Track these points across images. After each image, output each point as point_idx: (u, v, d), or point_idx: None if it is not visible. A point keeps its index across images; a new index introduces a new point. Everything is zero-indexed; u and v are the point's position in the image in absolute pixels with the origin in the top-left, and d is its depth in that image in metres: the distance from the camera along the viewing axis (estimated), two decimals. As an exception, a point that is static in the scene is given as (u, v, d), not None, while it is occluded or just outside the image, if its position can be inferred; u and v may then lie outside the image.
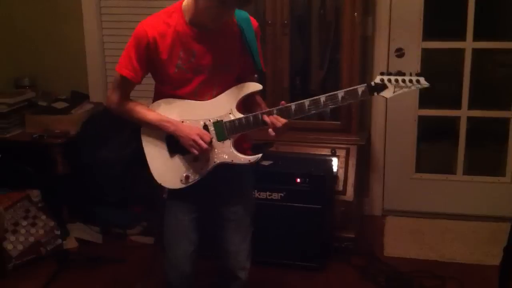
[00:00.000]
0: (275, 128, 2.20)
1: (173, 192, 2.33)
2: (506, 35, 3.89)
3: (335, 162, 3.62)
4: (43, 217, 3.71)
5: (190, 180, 2.28)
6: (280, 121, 2.20)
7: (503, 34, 3.92)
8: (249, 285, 2.56)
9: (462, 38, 3.83)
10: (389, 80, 2.15)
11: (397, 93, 2.16)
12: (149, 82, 2.34)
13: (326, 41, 3.82)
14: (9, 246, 3.46)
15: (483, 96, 4.00)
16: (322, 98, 2.19)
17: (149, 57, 2.19)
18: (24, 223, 3.60)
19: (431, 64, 4.00)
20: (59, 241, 3.71)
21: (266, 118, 2.21)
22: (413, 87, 2.16)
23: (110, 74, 2.24)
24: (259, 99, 2.39)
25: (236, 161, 2.28)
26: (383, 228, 3.99)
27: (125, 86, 2.28)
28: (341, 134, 3.74)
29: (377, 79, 2.16)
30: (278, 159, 3.52)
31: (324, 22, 3.84)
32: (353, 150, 3.69)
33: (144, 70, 2.23)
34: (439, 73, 4.14)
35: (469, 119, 3.97)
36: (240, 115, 2.26)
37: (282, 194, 3.37)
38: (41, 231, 3.64)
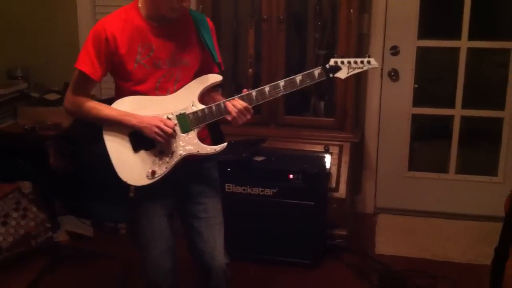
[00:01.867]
0: (237, 113, 2.24)
1: (140, 190, 2.29)
2: (501, 34, 3.89)
3: (328, 159, 3.61)
4: (34, 209, 3.69)
5: (156, 175, 2.26)
6: (241, 104, 2.25)
7: (499, 33, 3.93)
8: (241, 282, 2.55)
9: (458, 37, 3.83)
10: (342, 62, 2.32)
11: (351, 73, 2.33)
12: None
13: (322, 37, 3.81)
14: (-1, 238, 3.44)
15: (477, 96, 4.01)
16: (281, 82, 2.30)
17: (107, 53, 2.20)
18: (15, 215, 3.58)
19: (426, 63, 4.00)
20: (50, 233, 3.69)
21: (228, 104, 2.26)
22: (364, 67, 2.33)
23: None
24: (216, 91, 2.42)
25: (202, 151, 2.29)
26: (375, 226, 3.99)
27: (85, 83, 2.26)
28: (334, 131, 3.74)
29: (331, 62, 2.32)
30: (271, 155, 3.52)
31: (320, 19, 3.82)
32: (347, 148, 3.69)
33: (103, 67, 2.23)
34: (434, 72, 4.15)
35: (463, 118, 3.97)
36: (202, 106, 2.28)
37: (274, 190, 3.36)
38: (32, 223, 3.62)
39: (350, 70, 2.32)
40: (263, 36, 3.72)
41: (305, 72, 2.30)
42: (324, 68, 2.30)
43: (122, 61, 2.21)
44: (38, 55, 4.35)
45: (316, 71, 2.30)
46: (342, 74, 2.32)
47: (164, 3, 2.17)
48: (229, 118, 2.27)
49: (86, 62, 2.21)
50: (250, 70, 3.84)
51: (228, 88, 3.92)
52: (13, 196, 3.64)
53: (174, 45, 2.28)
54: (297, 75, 2.29)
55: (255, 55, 3.83)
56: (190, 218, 2.46)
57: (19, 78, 4.23)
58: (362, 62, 2.32)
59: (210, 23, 2.40)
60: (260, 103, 2.29)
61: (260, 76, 3.79)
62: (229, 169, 3.37)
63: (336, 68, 2.31)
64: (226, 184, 3.38)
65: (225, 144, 2.32)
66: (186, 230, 2.50)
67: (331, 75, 2.31)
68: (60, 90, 4.13)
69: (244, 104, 2.25)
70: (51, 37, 4.30)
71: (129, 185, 2.27)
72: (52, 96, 4.03)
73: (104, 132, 2.27)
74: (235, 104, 2.25)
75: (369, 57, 2.34)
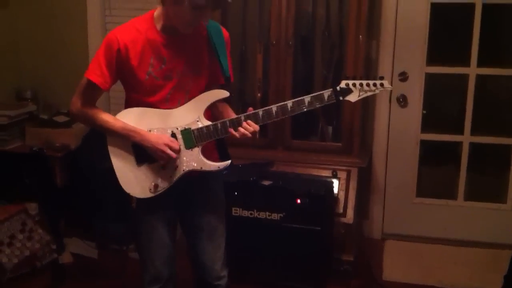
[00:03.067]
0: (240, 134, 2.22)
1: (142, 201, 2.30)
2: (510, 61, 3.89)
3: (336, 183, 3.60)
4: (40, 230, 3.68)
5: (159, 189, 2.27)
6: (252, 126, 2.22)
7: (508, 60, 3.92)
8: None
9: (466, 63, 3.83)
10: (354, 85, 2.24)
11: (362, 97, 2.24)
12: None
13: (329, 62, 3.82)
14: (4, 259, 3.42)
15: (486, 122, 3.99)
16: (289, 103, 2.24)
17: (119, 63, 2.20)
18: (20, 236, 3.57)
19: (435, 89, 3.99)
20: (55, 255, 3.68)
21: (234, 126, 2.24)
22: (377, 90, 2.25)
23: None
24: (224, 105, 2.40)
25: (205, 168, 2.29)
26: (382, 251, 3.96)
27: (93, 92, 2.26)
28: (342, 155, 3.73)
29: (342, 84, 2.24)
30: (278, 179, 3.50)
31: (328, 43, 3.84)
32: (354, 172, 3.67)
33: (113, 77, 2.23)
34: (443, 98, 4.14)
35: (472, 144, 3.95)
36: (208, 122, 2.27)
37: (281, 215, 3.34)
38: (37, 245, 3.61)
39: (361, 93, 2.25)
40: (271, 60, 3.74)
41: (314, 94, 2.25)
42: (334, 90, 2.24)
43: (133, 73, 2.21)
44: (48, 77, 4.37)
45: (326, 93, 2.24)
46: (352, 98, 2.26)
47: (182, 23, 2.17)
48: (232, 134, 2.25)
49: (97, 72, 2.20)
50: (258, 94, 3.85)
51: (235, 111, 3.94)
52: (19, 217, 3.64)
53: (186, 57, 2.27)
54: (305, 96, 2.24)
55: (263, 79, 3.84)
56: (192, 230, 2.47)
57: (29, 99, 4.26)
58: (374, 84, 2.24)
59: (225, 34, 2.37)
60: (266, 123, 2.26)
61: (268, 99, 3.80)
62: (236, 193, 3.36)
63: (347, 91, 2.25)
64: (233, 208, 3.37)
65: (229, 161, 2.31)
66: (188, 241, 2.51)
67: (341, 98, 2.24)
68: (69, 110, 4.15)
69: (256, 127, 2.22)
70: (61, 60, 4.33)
71: (131, 197, 2.27)
72: (61, 118, 4.05)
73: (108, 143, 2.28)
74: (246, 127, 2.22)
75: (381, 79, 2.25)
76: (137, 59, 2.19)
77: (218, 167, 2.30)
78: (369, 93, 2.25)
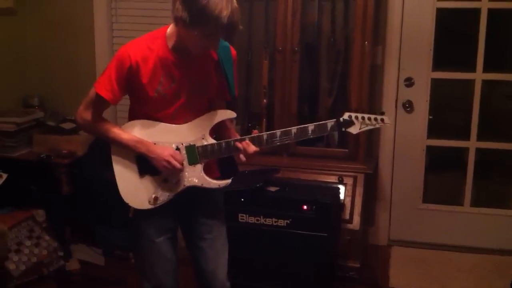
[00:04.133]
0: (246, 154, 2.27)
1: (140, 212, 2.30)
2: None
3: (342, 190, 3.60)
4: (47, 237, 3.69)
5: (158, 202, 2.29)
6: (252, 148, 2.27)
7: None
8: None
9: (472, 69, 3.83)
10: (356, 117, 2.34)
11: (363, 130, 2.35)
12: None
13: (335, 68, 3.83)
14: (12, 266, 3.43)
15: (492, 128, 3.99)
16: (294, 129, 2.32)
17: (129, 80, 2.21)
18: (28, 243, 3.58)
19: (441, 94, 3.99)
20: (62, 262, 3.69)
21: (238, 144, 2.28)
22: (377, 125, 2.35)
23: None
24: (228, 123, 2.44)
25: (206, 185, 2.32)
26: (388, 258, 3.95)
27: (101, 105, 2.28)
28: (348, 162, 3.73)
29: (346, 116, 2.34)
30: (284, 185, 3.50)
31: (333, 50, 3.85)
32: (361, 179, 3.67)
33: (122, 92, 2.24)
34: (448, 104, 4.14)
35: (478, 150, 3.95)
36: (213, 141, 2.31)
37: (288, 221, 3.33)
38: (44, 252, 3.62)
39: (362, 126, 2.34)
40: (277, 67, 3.75)
41: (318, 123, 2.33)
42: (337, 121, 2.33)
43: (143, 89, 2.22)
44: (55, 85, 4.40)
45: (329, 123, 2.33)
46: (354, 130, 2.35)
47: (194, 46, 2.18)
48: (237, 154, 2.31)
49: (107, 87, 2.21)
50: (264, 100, 3.86)
51: (240, 117, 3.95)
52: (27, 224, 3.65)
53: (196, 76, 2.29)
54: (309, 125, 2.32)
55: (269, 85, 3.85)
56: (194, 239, 2.47)
57: (36, 107, 4.28)
58: (376, 119, 2.34)
59: (233, 52, 2.40)
60: (269, 146, 2.32)
61: (273, 106, 3.81)
62: (242, 199, 3.36)
63: (349, 122, 2.33)
64: (240, 214, 3.36)
65: (229, 181, 2.35)
66: (190, 251, 2.51)
67: (343, 129, 2.33)
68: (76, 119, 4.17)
69: (254, 149, 2.28)
70: (68, 67, 4.36)
71: (129, 206, 2.28)
72: (68, 125, 4.07)
73: (112, 152, 2.29)
74: (246, 148, 2.27)
75: (382, 114, 2.36)
76: (147, 76, 2.20)
77: (219, 185, 2.34)
78: (369, 127, 2.35)
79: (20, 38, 4.35)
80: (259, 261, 3.36)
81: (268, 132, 2.31)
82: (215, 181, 2.33)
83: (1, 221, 3.39)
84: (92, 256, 3.85)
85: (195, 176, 2.30)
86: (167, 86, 2.24)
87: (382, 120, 2.33)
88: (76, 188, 3.84)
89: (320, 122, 2.32)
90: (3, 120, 3.91)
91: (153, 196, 2.28)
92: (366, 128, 2.34)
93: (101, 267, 3.81)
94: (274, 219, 3.35)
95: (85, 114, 2.29)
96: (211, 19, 2.03)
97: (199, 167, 2.30)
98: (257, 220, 3.38)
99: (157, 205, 2.29)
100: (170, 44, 2.23)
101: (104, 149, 2.32)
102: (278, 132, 2.30)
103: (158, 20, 3.95)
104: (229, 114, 2.36)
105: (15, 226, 3.56)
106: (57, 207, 3.82)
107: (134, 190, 2.28)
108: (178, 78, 2.25)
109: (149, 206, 2.29)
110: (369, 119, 2.33)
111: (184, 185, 2.30)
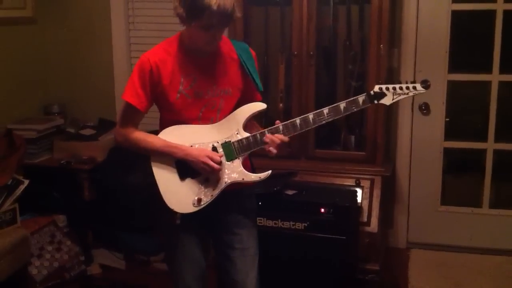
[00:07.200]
0: (276, 145, 2.28)
1: (185, 217, 2.32)
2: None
3: (359, 193, 3.60)
4: (68, 242, 3.74)
5: (202, 203, 2.30)
6: (280, 137, 2.28)
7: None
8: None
9: (488, 70, 3.82)
10: (387, 88, 2.29)
11: (396, 100, 2.30)
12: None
13: (351, 72, 3.84)
14: (34, 271, 3.48)
15: (509, 129, 3.97)
16: (325, 110, 2.30)
17: (152, 84, 2.26)
18: (50, 248, 3.64)
19: (458, 96, 3.99)
20: (83, 266, 3.74)
21: (268, 136, 2.30)
22: (410, 93, 2.30)
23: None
24: (256, 123, 2.48)
25: (246, 179, 2.33)
26: (407, 261, 3.94)
27: (132, 114, 2.32)
28: (366, 164, 3.73)
29: (376, 88, 2.30)
30: (302, 188, 3.51)
31: (349, 53, 3.86)
32: (378, 181, 3.67)
33: (148, 97, 2.28)
34: (465, 106, 4.13)
35: (496, 152, 3.93)
36: (247, 134, 2.32)
37: (306, 224, 3.35)
38: (66, 256, 3.67)
39: (395, 96, 2.30)
40: (294, 71, 3.76)
41: (349, 99, 2.30)
42: (368, 94, 2.30)
43: (165, 92, 2.27)
44: (74, 92, 4.47)
45: (361, 98, 2.30)
46: (387, 101, 2.30)
47: (200, 40, 2.24)
48: (267, 147, 2.30)
49: (132, 93, 2.27)
50: (280, 104, 3.87)
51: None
52: (48, 229, 3.71)
53: (216, 75, 2.33)
54: (340, 102, 2.29)
55: (285, 89, 3.87)
56: (224, 248, 2.47)
57: (56, 114, 4.35)
58: (408, 88, 2.29)
59: (252, 52, 2.45)
60: (304, 130, 2.30)
61: (290, 110, 3.83)
62: (260, 203, 3.38)
63: (381, 95, 2.30)
64: (257, 218, 3.37)
65: (270, 171, 2.34)
66: (220, 260, 2.51)
67: (375, 101, 2.30)
68: (95, 126, 4.22)
69: (283, 138, 2.28)
70: (87, 75, 4.43)
71: (175, 212, 2.29)
72: (88, 132, 4.13)
73: (152, 161, 2.32)
74: (277, 136, 2.28)
75: (413, 82, 2.30)
76: (168, 78, 2.26)
77: (260, 177, 2.34)
78: (402, 96, 2.30)
79: (40, 47, 4.42)
80: (277, 264, 3.37)
81: (301, 117, 2.30)
82: (255, 174, 2.34)
83: (23, 227, 3.44)
84: (113, 261, 3.89)
85: (235, 171, 2.31)
86: (187, 86, 2.28)
87: (414, 88, 2.28)
88: (97, 194, 3.88)
89: (351, 98, 2.30)
90: (24, 128, 3.98)
91: (197, 198, 2.29)
92: (399, 98, 2.29)
93: (122, 272, 3.84)
94: (292, 223, 3.36)
95: (119, 129, 2.35)
96: (203, 9, 2.10)
97: (238, 162, 2.32)
98: (275, 223, 3.39)
99: (201, 206, 2.29)
100: (185, 45, 2.30)
101: (125, 155, 2.35)
102: (310, 115, 2.29)
103: (175, 27, 3.91)
104: (260, 106, 2.37)
105: (37, 231, 3.62)
106: (79, 212, 3.87)
107: (177, 195, 2.30)
108: (198, 77, 2.30)
109: (193, 209, 2.29)
110: (401, 88, 2.28)
111: (226, 182, 2.31)
